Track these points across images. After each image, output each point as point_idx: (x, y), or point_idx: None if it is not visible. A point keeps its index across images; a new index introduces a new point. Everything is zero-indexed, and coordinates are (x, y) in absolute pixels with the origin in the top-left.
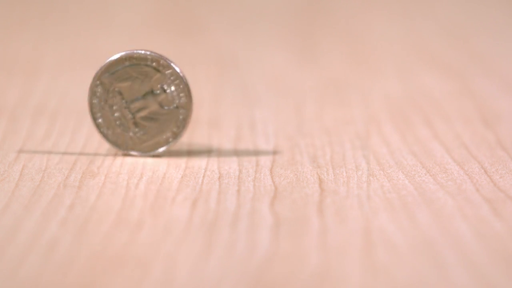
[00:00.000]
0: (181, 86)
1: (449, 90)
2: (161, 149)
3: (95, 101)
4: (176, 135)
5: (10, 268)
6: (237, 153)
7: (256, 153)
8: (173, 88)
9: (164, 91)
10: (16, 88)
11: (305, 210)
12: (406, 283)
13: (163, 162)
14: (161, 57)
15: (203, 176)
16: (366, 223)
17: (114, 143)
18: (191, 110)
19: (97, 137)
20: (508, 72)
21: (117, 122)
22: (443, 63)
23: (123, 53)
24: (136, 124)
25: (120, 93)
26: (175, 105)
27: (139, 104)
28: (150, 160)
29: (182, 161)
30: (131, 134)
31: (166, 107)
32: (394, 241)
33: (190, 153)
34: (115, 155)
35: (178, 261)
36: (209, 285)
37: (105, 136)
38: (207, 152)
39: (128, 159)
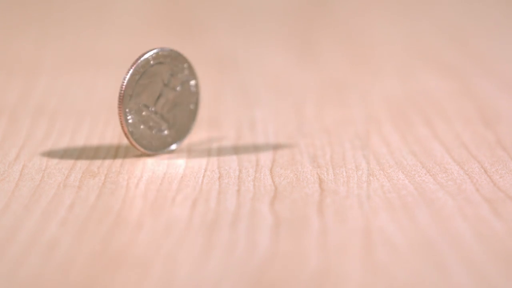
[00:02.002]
0: (181, 61)
1: (449, 90)
2: (191, 126)
3: (131, 129)
4: (196, 101)
5: (10, 268)
6: (237, 153)
7: (256, 153)
8: (176, 68)
9: (171, 75)
10: (16, 88)
11: (305, 210)
12: (406, 283)
13: (163, 162)
14: (153, 51)
15: (203, 176)
16: (366, 223)
17: (160, 149)
18: (195, 75)
19: (96, 138)
20: (508, 72)
21: (154, 131)
22: (443, 63)
23: (129, 73)
24: (166, 120)
25: (145, 105)
26: (182, 80)
27: (161, 101)
28: (150, 160)
29: (182, 161)
30: (166, 132)
31: (178, 88)
32: (394, 241)
33: (190, 153)
34: (116, 153)
35: (178, 261)
36: (209, 285)
37: (152, 150)
38: (207, 152)
39: (128, 159)
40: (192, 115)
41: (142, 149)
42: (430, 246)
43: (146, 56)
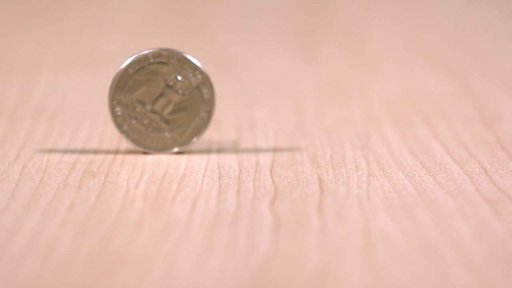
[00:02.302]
0: (191, 66)
1: (449, 90)
2: (202, 132)
3: (120, 121)
4: (209, 113)
5: (10, 268)
6: (237, 153)
7: (256, 153)
8: (185, 72)
9: (180, 79)
10: (16, 88)
11: (305, 210)
12: (406, 283)
13: (163, 162)
14: (160, 49)
15: (203, 176)
16: (366, 223)
17: (159, 149)
18: (211, 84)
19: (96, 138)
20: (508, 72)
21: (150, 129)
22: (443, 63)
23: (123, 65)
24: (167, 121)
25: (140, 102)
26: (194, 85)
27: (161, 102)
28: (150, 160)
29: (182, 161)
30: (166, 134)
31: (187, 92)
32: (394, 241)
33: (190, 153)
34: (116, 153)
35: (178, 261)
36: (209, 285)
37: (148, 148)
38: (207, 152)
39: (128, 159)
40: (203, 122)
41: (130, 142)
42: (430, 246)
43: (144, 52)
